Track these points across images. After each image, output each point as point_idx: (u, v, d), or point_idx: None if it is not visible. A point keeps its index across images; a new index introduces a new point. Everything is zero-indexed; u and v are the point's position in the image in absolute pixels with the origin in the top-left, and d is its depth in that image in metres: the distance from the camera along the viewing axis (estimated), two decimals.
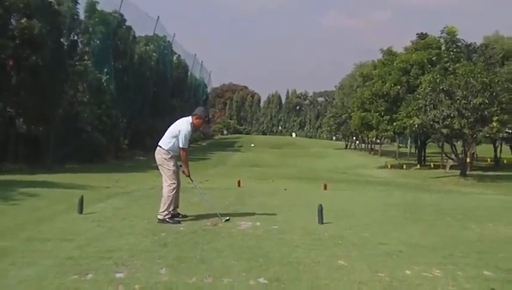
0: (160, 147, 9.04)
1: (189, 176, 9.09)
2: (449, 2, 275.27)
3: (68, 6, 35.50)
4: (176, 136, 8.90)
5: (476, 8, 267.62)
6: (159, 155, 9.02)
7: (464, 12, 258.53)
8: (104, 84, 40.75)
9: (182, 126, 8.96)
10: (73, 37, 37.59)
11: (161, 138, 9.17)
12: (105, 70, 41.03)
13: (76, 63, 36.55)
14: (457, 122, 30.67)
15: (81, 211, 9.58)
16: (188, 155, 9.09)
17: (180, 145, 8.88)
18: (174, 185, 8.95)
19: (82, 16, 38.93)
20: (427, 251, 6.93)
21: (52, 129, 32.99)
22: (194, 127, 9.19)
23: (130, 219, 9.19)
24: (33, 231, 8.00)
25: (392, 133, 47.43)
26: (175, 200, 9.02)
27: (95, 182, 21.94)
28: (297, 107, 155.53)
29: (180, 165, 9.07)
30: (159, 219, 8.81)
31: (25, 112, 30.38)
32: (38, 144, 32.60)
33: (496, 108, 30.90)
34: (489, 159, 50.02)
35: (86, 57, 39.49)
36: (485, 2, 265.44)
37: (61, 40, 34.91)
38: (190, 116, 9.14)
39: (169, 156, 8.94)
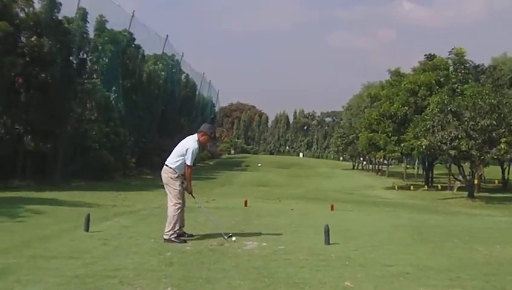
0: (167, 166, 9.04)
1: (191, 193, 9.08)
2: (456, 22, 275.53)
3: (78, 25, 35.83)
4: (183, 155, 8.90)
5: (483, 29, 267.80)
6: (166, 174, 9.02)
7: (472, 33, 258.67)
8: (113, 102, 40.92)
9: (189, 144, 8.97)
10: (83, 55, 37.91)
11: (168, 156, 9.17)
12: (114, 88, 41.22)
13: (85, 81, 36.80)
14: (465, 144, 30.59)
15: (87, 229, 9.57)
16: (192, 173, 9.09)
17: (187, 163, 8.89)
18: (179, 205, 8.93)
19: (91, 34, 39.26)
20: (434, 273, 6.88)
21: (60, 146, 33.12)
22: (201, 144, 9.19)
23: (136, 237, 9.18)
24: (39, 248, 7.99)
25: (399, 154, 47.36)
26: (180, 220, 9.00)
27: (102, 200, 22.01)
28: (305, 127, 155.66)
29: (183, 182, 9.06)
30: (164, 239, 8.79)
31: (33, 129, 30.52)
32: (46, 161, 32.74)
33: (503, 129, 30.84)
34: (497, 181, 49.82)
35: (94, 75, 39.71)
36: (493, 23, 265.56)
37: (71, 58, 35.22)
38: (196, 134, 9.14)
39: (176, 175, 8.94)
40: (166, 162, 9.10)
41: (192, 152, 8.87)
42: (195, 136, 9.11)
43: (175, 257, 7.43)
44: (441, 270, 7.11)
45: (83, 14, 37.06)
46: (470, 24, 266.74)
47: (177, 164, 8.95)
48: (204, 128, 9.27)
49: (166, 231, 8.82)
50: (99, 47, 40.01)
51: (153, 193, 28.13)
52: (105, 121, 39.02)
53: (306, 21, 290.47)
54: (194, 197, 9.28)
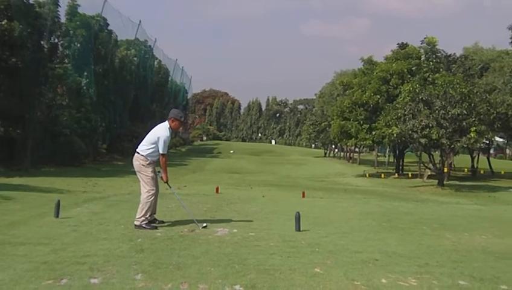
0: (138, 153, 8.99)
1: (167, 181, 9.05)
2: (429, 13, 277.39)
3: (49, 9, 35.31)
4: (155, 143, 8.86)
5: (456, 19, 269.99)
6: (137, 161, 8.97)
7: (444, 24, 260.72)
8: (84, 87, 40.59)
9: (160, 132, 8.92)
10: (54, 39, 37.34)
11: (139, 143, 9.13)
12: (86, 73, 40.85)
13: (56, 66, 36.33)
14: (435, 132, 30.83)
15: (57, 215, 9.50)
16: (167, 161, 9.06)
17: (161, 152, 8.86)
18: (153, 192, 8.91)
19: (63, 18, 38.75)
20: (403, 260, 6.95)
21: (30, 132, 32.71)
22: (173, 130, 9.17)
23: (106, 224, 9.13)
24: (7, 234, 7.89)
25: (370, 142, 47.60)
26: (153, 207, 8.98)
27: (72, 186, 21.86)
28: (277, 115, 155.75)
29: (159, 171, 9.04)
30: (135, 225, 8.76)
31: (2, 114, 30.11)
32: (16, 146, 32.30)
33: (474, 119, 31.11)
34: (466, 170, 50.45)
35: (66, 60, 39.29)
36: (465, 13, 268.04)
37: (42, 42, 34.71)
38: (167, 121, 9.10)
39: (148, 162, 8.90)
40: (137, 149, 9.06)
41: (164, 141, 8.84)
42: (166, 124, 9.07)
43: (145, 244, 7.41)
44: (409, 257, 7.19)
45: None
46: (443, 15, 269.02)
47: (149, 151, 8.92)
48: (173, 113, 9.21)
49: (137, 217, 8.79)
50: (71, 32, 39.58)
51: (124, 179, 28.00)
52: (76, 106, 38.67)
53: (280, 8, 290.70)
54: (170, 187, 9.25)
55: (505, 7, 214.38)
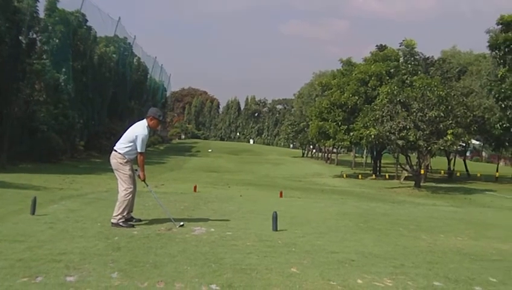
0: (115, 151, 8.95)
1: (144, 180, 9.03)
2: (408, 16, 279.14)
3: (28, 4, 34.97)
4: (133, 141, 8.83)
5: (435, 22, 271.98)
6: (115, 160, 8.94)
7: (423, 26, 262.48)
8: (62, 83, 40.26)
9: (138, 131, 8.89)
10: (32, 35, 37.02)
11: (117, 141, 9.09)
12: (64, 70, 40.53)
13: (34, 62, 36.03)
14: (412, 134, 31.04)
15: (33, 212, 9.43)
16: (144, 159, 9.04)
17: (138, 150, 8.83)
18: (130, 190, 8.89)
19: (42, 14, 38.43)
20: (379, 260, 7.01)
21: (7, 128, 32.41)
22: (151, 128, 9.15)
23: (83, 221, 9.08)
24: None
25: (348, 143, 47.81)
26: (130, 205, 8.96)
27: (49, 183, 21.71)
28: (256, 114, 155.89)
29: (136, 169, 9.01)
30: (112, 223, 8.73)
31: None
32: None
33: (451, 121, 31.33)
34: (442, 171, 50.86)
35: (44, 56, 38.95)
36: (444, 17, 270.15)
37: (20, 37, 34.39)
38: (145, 120, 9.08)
39: (125, 160, 8.87)
40: (115, 147, 9.00)
41: (142, 139, 8.82)
42: (144, 122, 9.04)
43: (122, 242, 7.40)
44: (385, 257, 7.25)
45: None
46: (422, 18, 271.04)
47: (126, 149, 8.88)
48: (151, 112, 9.19)
49: (114, 215, 8.76)
50: (50, 27, 39.25)
51: (101, 177, 27.86)
52: (54, 102, 38.35)
53: (260, 7, 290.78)
54: (147, 185, 9.23)
55: (483, 12, 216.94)
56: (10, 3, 32.41)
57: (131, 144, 8.86)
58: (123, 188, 8.86)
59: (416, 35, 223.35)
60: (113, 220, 8.75)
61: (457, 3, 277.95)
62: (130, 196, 8.90)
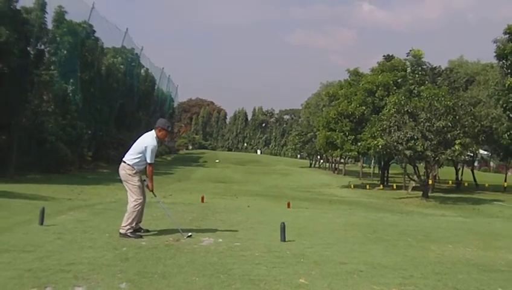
0: (124, 162, 8.95)
1: (152, 190, 9.02)
2: (415, 26, 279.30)
3: (37, 15, 35.27)
4: (142, 152, 8.84)
5: (441, 32, 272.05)
6: (123, 171, 8.93)
7: (430, 36, 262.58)
8: (70, 94, 40.48)
9: (147, 141, 8.90)
10: (41, 46, 37.29)
11: (126, 152, 9.10)
12: (72, 80, 40.76)
13: (43, 73, 36.22)
14: (420, 144, 31.00)
15: (42, 223, 9.43)
16: (153, 170, 9.04)
17: (148, 161, 8.84)
18: (140, 201, 8.86)
19: (50, 25, 38.66)
20: (387, 271, 6.98)
21: (16, 138, 32.54)
22: (159, 139, 9.16)
23: (91, 232, 9.08)
24: None
25: (356, 153, 47.80)
26: (138, 215, 8.95)
27: (57, 194, 21.77)
28: (263, 124, 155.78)
29: (144, 180, 9.01)
30: (120, 233, 8.72)
31: None
32: (1, 153, 32.10)
33: (458, 131, 31.30)
34: (450, 182, 50.66)
35: (52, 67, 39.18)
36: (451, 27, 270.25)
37: (28, 48, 34.64)
38: (153, 130, 9.09)
39: (134, 171, 8.86)
40: (124, 159, 9.01)
41: (152, 150, 8.83)
42: (153, 133, 9.05)
43: (130, 252, 7.39)
44: (394, 268, 7.21)
45: (42, 4, 36.45)
46: (428, 28, 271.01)
47: (135, 161, 8.89)
48: (160, 123, 9.21)
49: (122, 225, 8.75)
50: (58, 38, 39.51)
51: (109, 187, 27.92)
52: (62, 113, 38.54)
53: (266, 19, 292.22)
54: (155, 196, 9.22)
55: (489, 21, 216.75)
56: (19, 15, 32.64)
57: (141, 155, 8.87)
58: (132, 199, 8.85)
59: (423, 45, 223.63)
60: (121, 231, 8.74)
61: (464, 12, 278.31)
62: (140, 207, 8.89)
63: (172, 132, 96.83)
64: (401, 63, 50.40)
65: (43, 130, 35.92)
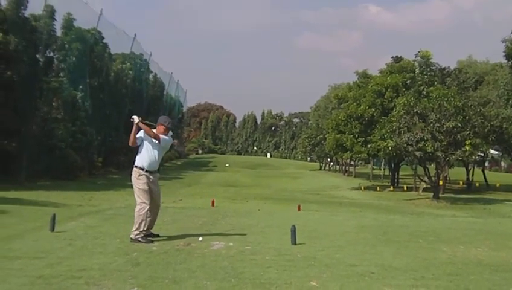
0: (134, 166, 9.01)
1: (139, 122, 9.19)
2: (422, 26, 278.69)
3: (45, 23, 35.47)
4: (145, 148, 9.05)
5: (450, 33, 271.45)
6: (132, 174, 8.96)
7: (438, 37, 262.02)
8: (79, 101, 40.60)
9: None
10: (49, 53, 37.54)
11: (135, 157, 9.15)
12: (81, 87, 40.90)
13: (52, 80, 36.43)
14: (430, 145, 30.92)
15: (52, 229, 9.45)
16: (153, 133, 9.16)
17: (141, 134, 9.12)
18: (144, 205, 8.80)
19: (59, 32, 38.85)
20: (399, 273, 6.95)
21: (25, 145, 32.67)
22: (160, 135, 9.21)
23: (102, 237, 9.09)
24: (2, 248, 7.86)
25: (366, 155, 47.76)
26: (147, 220, 8.93)
27: (67, 200, 21.82)
28: (273, 128, 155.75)
29: (152, 181, 8.99)
30: (131, 238, 8.72)
31: None
32: (11, 160, 32.23)
33: (468, 132, 31.21)
34: (461, 182, 50.44)
35: (61, 74, 39.37)
36: (459, 27, 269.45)
37: (37, 56, 34.85)
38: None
39: (139, 174, 8.87)
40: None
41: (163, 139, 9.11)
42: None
43: (141, 257, 7.39)
44: (405, 270, 7.18)
45: (50, 12, 36.66)
46: (435, 29, 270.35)
47: (139, 156, 9.07)
48: (161, 120, 9.45)
49: (133, 230, 8.75)
50: (67, 45, 39.67)
51: (120, 193, 27.96)
52: (71, 120, 38.68)
53: (274, 22, 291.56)
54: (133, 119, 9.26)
55: (496, 21, 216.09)
56: (27, 23, 32.82)
57: (143, 149, 9.08)
58: (137, 202, 8.85)
59: (431, 46, 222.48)
60: (131, 236, 8.74)
61: (471, 13, 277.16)
62: (144, 211, 8.81)
63: (181, 135, 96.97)
64: (410, 64, 50.35)
65: (52, 136, 36.05)
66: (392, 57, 54.51)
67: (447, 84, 45.58)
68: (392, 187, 49.46)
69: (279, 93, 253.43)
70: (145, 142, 8.96)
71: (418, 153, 31.75)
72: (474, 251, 9.24)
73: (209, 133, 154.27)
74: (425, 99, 36.48)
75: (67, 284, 5.74)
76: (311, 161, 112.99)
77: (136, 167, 8.96)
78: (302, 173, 74.20)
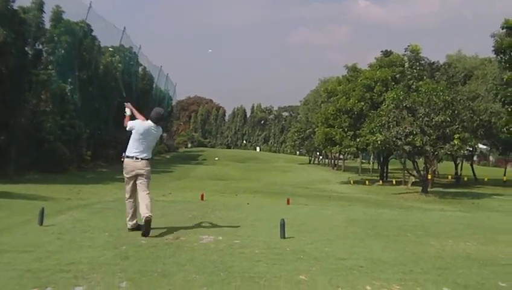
0: (145, 158, 9.16)
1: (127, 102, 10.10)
2: (412, 21, 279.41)
3: (34, 15, 35.24)
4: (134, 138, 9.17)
5: (439, 27, 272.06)
6: (148, 167, 9.17)
7: (427, 32, 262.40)
8: (68, 94, 40.42)
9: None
10: (38, 46, 37.30)
11: (125, 150, 9.15)
12: (70, 80, 40.71)
13: (41, 72, 36.20)
14: (419, 140, 31.00)
15: (41, 223, 9.40)
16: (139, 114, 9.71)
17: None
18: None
19: (48, 25, 38.63)
20: (387, 267, 6.98)
21: (14, 138, 32.50)
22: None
23: (90, 231, 9.05)
24: None
25: (355, 149, 47.92)
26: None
27: (56, 193, 21.74)
28: (262, 122, 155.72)
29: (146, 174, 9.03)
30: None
31: None
32: None
33: (457, 126, 31.30)
34: (450, 177, 50.64)
35: (50, 66, 39.15)
36: (448, 22, 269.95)
37: (26, 48, 34.62)
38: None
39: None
40: None
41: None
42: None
43: (130, 251, 7.38)
44: (394, 264, 7.22)
45: (39, 4, 36.40)
46: (425, 23, 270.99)
47: (148, 150, 9.20)
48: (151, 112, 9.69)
49: (149, 213, 8.82)
50: (55, 38, 39.45)
51: (108, 186, 27.92)
52: (60, 112, 38.46)
53: (264, 17, 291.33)
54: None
55: (486, 16, 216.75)
56: (16, 15, 32.59)
57: (131, 140, 9.19)
58: (148, 192, 9.07)
59: (421, 41, 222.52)
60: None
61: (460, 7, 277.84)
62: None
63: (170, 128, 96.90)
64: (399, 58, 50.46)
65: (41, 129, 35.85)
66: (382, 51, 54.59)
67: (436, 78, 45.66)
68: (381, 181, 49.58)
69: (268, 87, 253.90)
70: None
71: (407, 147, 31.84)
72: (462, 245, 9.30)
73: (198, 126, 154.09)
74: (415, 93, 36.53)
75: (56, 278, 5.73)
76: (300, 154, 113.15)
77: (148, 159, 9.11)
78: (292, 167, 74.26)
